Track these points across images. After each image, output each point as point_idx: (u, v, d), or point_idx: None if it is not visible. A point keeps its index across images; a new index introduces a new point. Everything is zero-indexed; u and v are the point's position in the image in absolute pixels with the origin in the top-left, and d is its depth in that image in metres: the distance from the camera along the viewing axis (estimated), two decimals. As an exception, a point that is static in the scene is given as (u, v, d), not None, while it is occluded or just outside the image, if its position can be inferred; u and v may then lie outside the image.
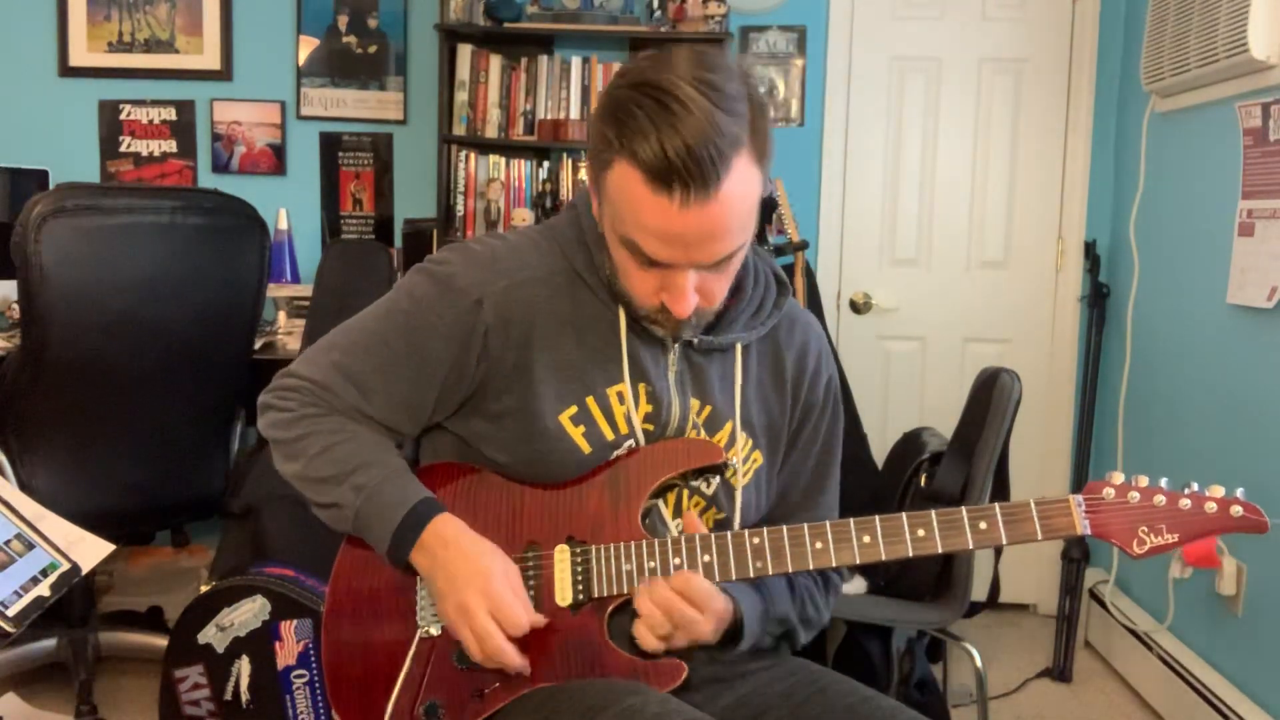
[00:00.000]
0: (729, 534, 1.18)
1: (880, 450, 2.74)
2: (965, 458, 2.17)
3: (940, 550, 1.15)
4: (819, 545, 1.17)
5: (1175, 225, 2.91)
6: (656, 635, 1.15)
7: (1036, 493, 3.46)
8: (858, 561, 1.17)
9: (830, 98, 3.49)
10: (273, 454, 1.26)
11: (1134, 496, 1.14)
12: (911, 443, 2.45)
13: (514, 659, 1.15)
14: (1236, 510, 1.13)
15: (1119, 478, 1.15)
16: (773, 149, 1.13)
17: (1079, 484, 3.29)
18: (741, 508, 1.27)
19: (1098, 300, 3.32)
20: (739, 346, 1.28)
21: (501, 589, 1.15)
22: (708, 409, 1.26)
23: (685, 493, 1.26)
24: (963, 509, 1.16)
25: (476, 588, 1.14)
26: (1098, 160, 3.41)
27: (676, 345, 1.25)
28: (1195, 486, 1.15)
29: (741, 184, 1.09)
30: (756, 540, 1.17)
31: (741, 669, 1.29)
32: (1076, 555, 3.17)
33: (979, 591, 2.18)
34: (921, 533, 1.16)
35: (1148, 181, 3.10)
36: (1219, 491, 1.14)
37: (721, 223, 1.09)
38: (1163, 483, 1.15)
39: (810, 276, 3.19)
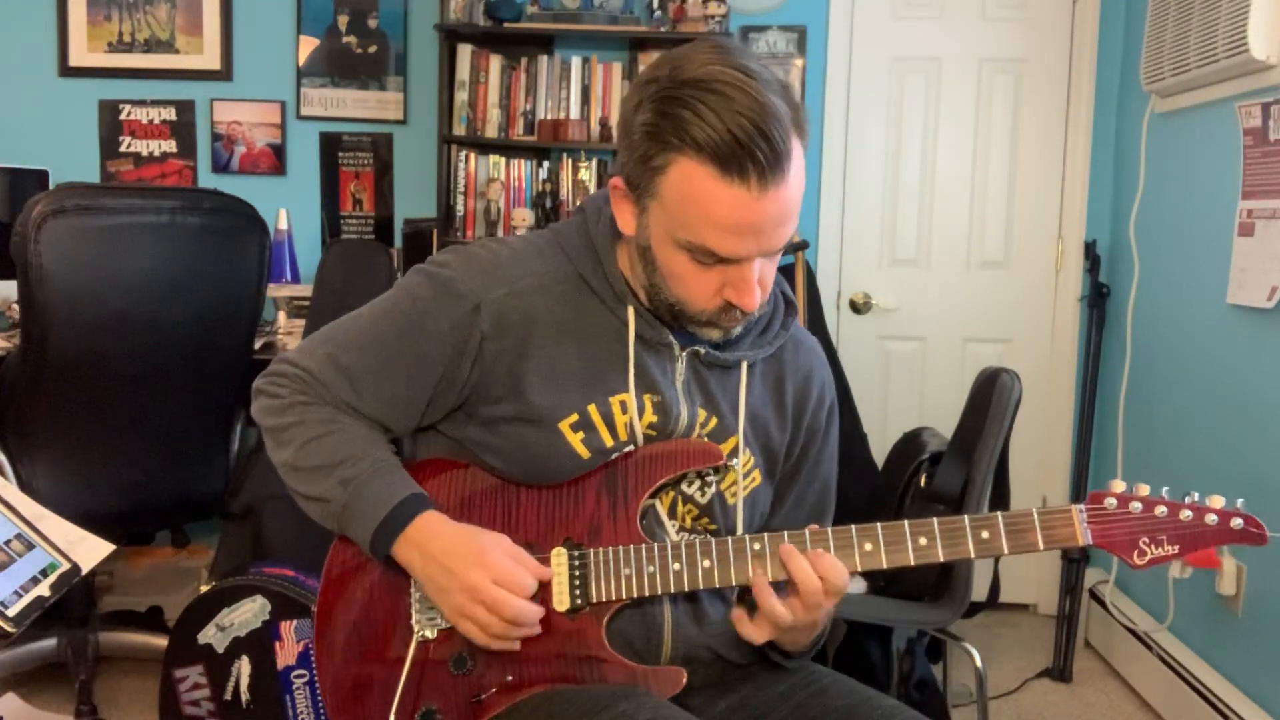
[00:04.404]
0: (729, 539, 1.18)
1: (880, 450, 2.75)
2: (965, 458, 2.17)
3: (942, 559, 1.15)
4: (819, 552, 1.16)
5: (1175, 225, 2.91)
6: (776, 626, 1.15)
7: (1036, 492, 3.47)
8: (859, 569, 1.16)
9: (830, 98, 3.49)
10: (264, 440, 1.26)
11: (1136, 507, 1.14)
12: (911, 443, 2.45)
13: (535, 615, 1.15)
14: (1237, 522, 1.12)
15: (1120, 486, 1.15)
16: (809, 126, 1.12)
17: (1079, 484, 3.29)
18: (735, 521, 1.26)
19: (1098, 300, 3.32)
20: (744, 365, 1.27)
21: (499, 558, 1.14)
22: (714, 420, 1.25)
23: (679, 498, 1.25)
24: (965, 517, 1.15)
25: (474, 564, 1.13)
26: (1098, 160, 3.41)
27: (684, 355, 1.24)
28: (1196, 496, 1.14)
29: (799, 162, 1.09)
30: (757, 546, 1.16)
31: (739, 672, 1.29)
32: (1076, 555, 3.17)
33: (979, 591, 2.18)
34: (924, 541, 1.15)
35: (1148, 181, 3.10)
36: (1219, 502, 1.13)
37: (791, 204, 1.09)
38: (1164, 492, 1.14)
39: (810, 276, 3.19)
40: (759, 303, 1.14)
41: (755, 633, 1.16)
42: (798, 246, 2.97)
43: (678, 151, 1.07)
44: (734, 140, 1.03)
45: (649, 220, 1.15)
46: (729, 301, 1.15)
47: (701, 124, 1.04)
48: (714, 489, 1.25)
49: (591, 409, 1.21)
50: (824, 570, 1.13)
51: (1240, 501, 1.14)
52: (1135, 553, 1.13)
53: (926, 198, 3.50)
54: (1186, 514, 1.13)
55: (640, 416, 1.22)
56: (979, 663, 2.25)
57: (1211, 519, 1.12)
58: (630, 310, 1.22)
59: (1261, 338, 2.41)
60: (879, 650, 2.49)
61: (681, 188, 1.08)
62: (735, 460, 1.25)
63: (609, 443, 1.21)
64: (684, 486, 1.25)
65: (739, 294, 1.13)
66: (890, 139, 3.49)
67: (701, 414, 1.24)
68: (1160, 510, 1.13)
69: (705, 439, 1.24)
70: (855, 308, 3.53)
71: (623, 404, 1.21)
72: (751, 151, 1.04)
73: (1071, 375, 3.46)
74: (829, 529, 1.17)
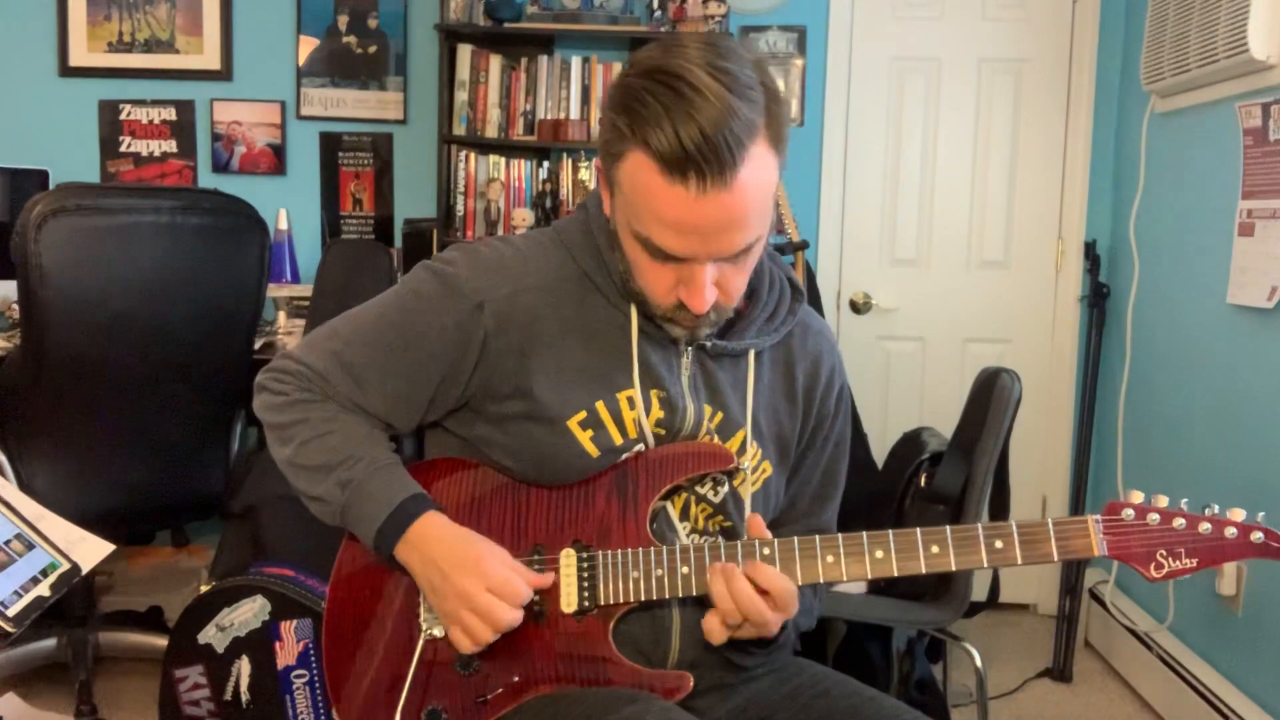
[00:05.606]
0: (739, 544, 1.17)
1: (880, 450, 2.74)
2: (965, 458, 2.16)
3: (954, 568, 1.13)
4: (830, 559, 1.15)
5: (1175, 225, 2.91)
6: (728, 627, 1.14)
7: (1036, 492, 3.47)
8: (869, 576, 1.15)
9: (830, 98, 3.49)
10: (266, 436, 1.26)
11: (1153, 519, 1.12)
12: (911, 443, 2.45)
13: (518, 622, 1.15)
14: (1257, 536, 1.10)
15: (1138, 497, 1.13)
16: (788, 136, 1.11)
17: (1079, 484, 3.29)
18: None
19: (1098, 300, 3.32)
20: (752, 353, 1.27)
21: (494, 566, 1.14)
22: (720, 415, 1.25)
23: (693, 499, 1.25)
24: (979, 526, 1.14)
25: (469, 571, 1.13)
26: (1098, 160, 3.41)
27: (689, 349, 1.24)
28: (1215, 509, 1.12)
29: (759, 171, 1.06)
30: (767, 551, 1.16)
31: (745, 674, 1.28)
32: (1076, 555, 3.17)
33: (979, 591, 2.18)
34: (935, 549, 1.14)
35: (1148, 181, 3.10)
36: (1239, 515, 1.11)
37: (740, 212, 1.07)
38: (1183, 504, 1.13)
39: (810, 277, 3.19)
40: (708, 306, 1.13)
41: (719, 632, 1.15)
42: (798, 246, 2.97)
43: (631, 143, 1.07)
44: (679, 144, 1.02)
45: (615, 206, 1.16)
46: (682, 301, 1.14)
47: (652, 121, 1.04)
48: (727, 487, 1.25)
49: (600, 405, 1.20)
50: (767, 583, 1.12)
51: (1261, 515, 1.12)
52: (1152, 565, 1.12)
53: (926, 198, 3.50)
54: (1206, 527, 1.11)
55: (647, 413, 1.21)
56: (979, 663, 2.25)
57: (1231, 532, 1.11)
58: (633, 306, 1.22)
59: (1261, 338, 2.41)
60: (879, 650, 2.49)
61: (632, 178, 1.08)
62: (746, 464, 1.25)
63: (618, 440, 1.21)
64: (697, 487, 1.25)
65: (688, 294, 1.13)
66: (890, 139, 3.49)
67: (708, 409, 1.24)
68: (1178, 522, 1.12)
69: (713, 434, 1.24)
70: (855, 308, 3.53)
71: (630, 400, 1.21)
72: (694, 159, 1.02)
73: (1071, 375, 3.46)
74: (839, 536, 1.16)
